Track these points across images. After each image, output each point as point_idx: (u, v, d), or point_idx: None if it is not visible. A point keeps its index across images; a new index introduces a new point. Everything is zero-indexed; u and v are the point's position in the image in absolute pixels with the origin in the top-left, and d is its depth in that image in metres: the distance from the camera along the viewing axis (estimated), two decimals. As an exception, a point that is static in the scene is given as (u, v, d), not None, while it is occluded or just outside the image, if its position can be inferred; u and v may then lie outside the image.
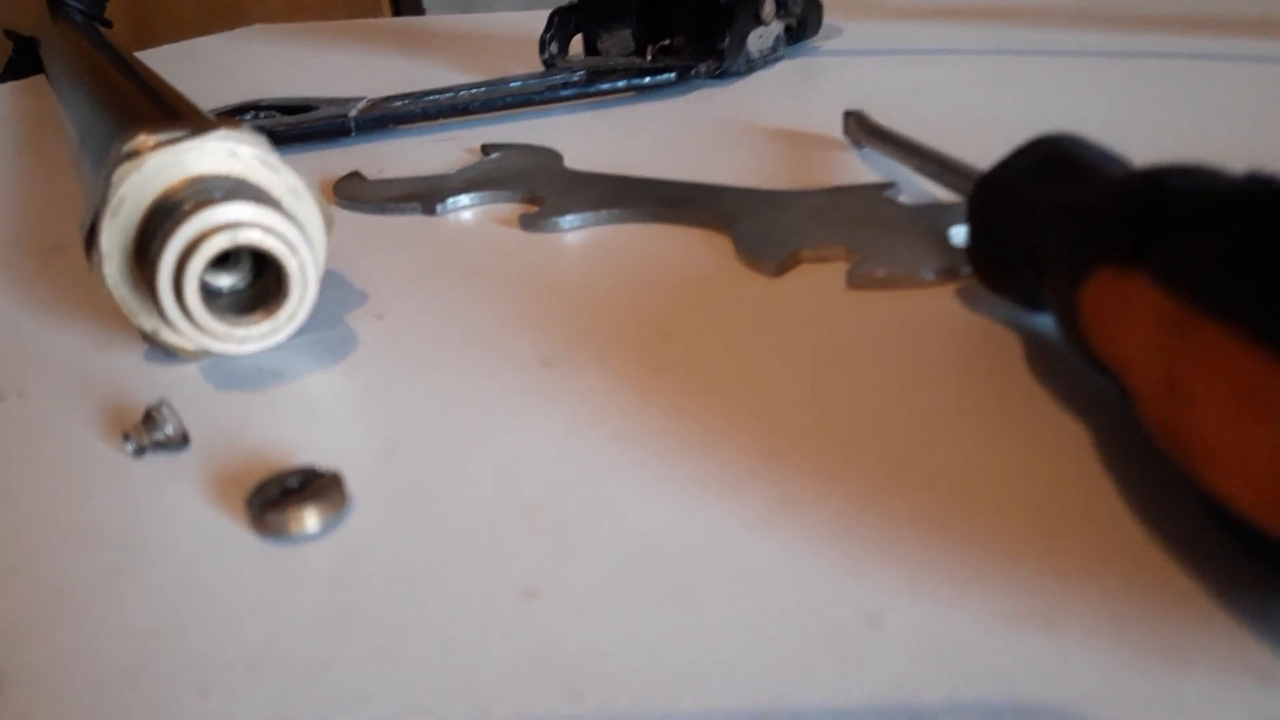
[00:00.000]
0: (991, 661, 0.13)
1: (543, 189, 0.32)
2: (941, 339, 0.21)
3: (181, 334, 0.20)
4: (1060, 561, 0.15)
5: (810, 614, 0.14)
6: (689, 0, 0.47)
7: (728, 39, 0.46)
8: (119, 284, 0.21)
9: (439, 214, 0.32)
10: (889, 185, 0.29)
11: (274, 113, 0.46)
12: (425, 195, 0.32)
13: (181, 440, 0.19)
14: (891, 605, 0.14)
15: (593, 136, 0.40)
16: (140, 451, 0.19)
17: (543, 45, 0.50)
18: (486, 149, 0.38)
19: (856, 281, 0.24)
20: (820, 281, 0.24)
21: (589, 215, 0.29)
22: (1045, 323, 0.21)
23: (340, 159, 0.40)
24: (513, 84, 0.46)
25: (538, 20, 0.51)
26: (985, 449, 0.17)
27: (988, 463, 0.17)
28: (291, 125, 0.43)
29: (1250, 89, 0.38)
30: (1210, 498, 0.13)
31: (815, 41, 0.53)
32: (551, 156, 0.36)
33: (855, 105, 0.35)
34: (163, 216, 0.20)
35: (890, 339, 0.21)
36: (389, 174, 0.36)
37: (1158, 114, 0.36)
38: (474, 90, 0.45)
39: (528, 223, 0.30)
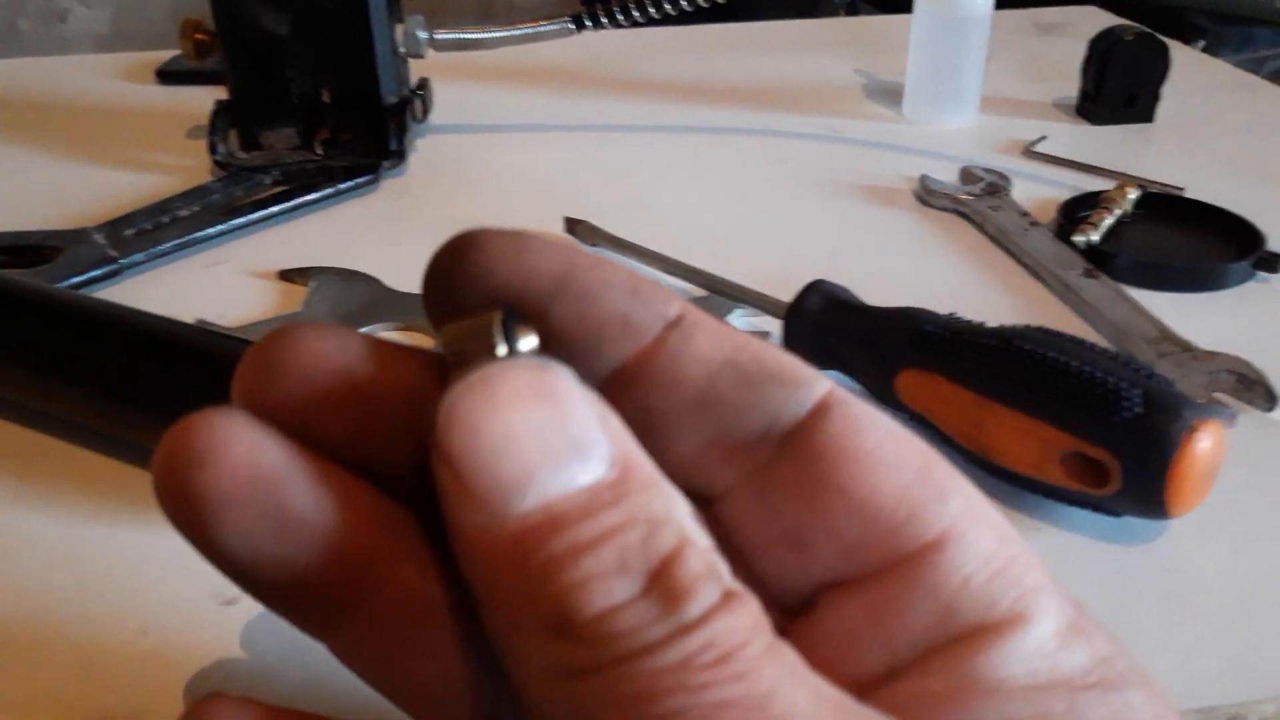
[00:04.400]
0: None
1: (403, 315, 0.42)
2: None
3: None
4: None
5: None
6: (352, 99, 0.56)
7: (405, 139, 0.56)
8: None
9: (344, 352, 0.40)
10: (654, 283, 0.44)
11: (-4, 254, 0.46)
12: (324, 339, 0.40)
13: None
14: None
15: (336, 248, 0.49)
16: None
17: (213, 146, 0.55)
18: (288, 275, 0.45)
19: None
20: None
21: (480, 338, 0.41)
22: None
23: (118, 298, 0.44)
24: (213, 196, 0.52)
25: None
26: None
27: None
28: (44, 274, 0.44)
29: (763, 157, 0.59)
30: (998, 469, 0.32)
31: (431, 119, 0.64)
32: (366, 279, 0.45)
33: (515, 179, 0.50)
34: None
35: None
36: (224, 318, 0.42)
37: (731, 182, 0.55)
38: (192, 207, 0.50)
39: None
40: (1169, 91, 0.63)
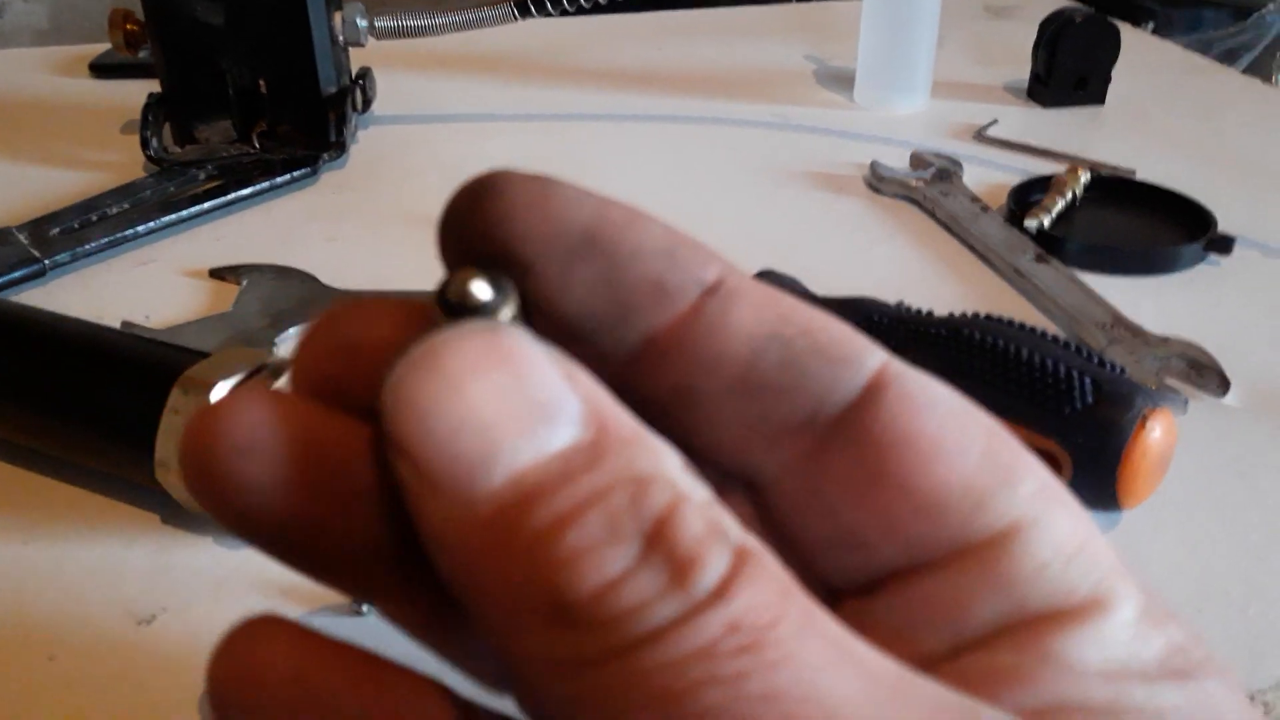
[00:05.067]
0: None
1: (341, 314, 0.40)
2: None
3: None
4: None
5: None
6: (290, 90, 0.54)
7: (345, 130, 0.54)
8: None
9: (274, 351, 0.39)
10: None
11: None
12: (255, 339, 0.39)
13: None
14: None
15: (272, 244, 0.47)
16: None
17: (145, 142, 0.53)
18: (219, 273, 0.44)
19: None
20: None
21: (419, 336, 0.39)
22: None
23: (44, 298, 0.42)
24: (145, 192, 0.50)
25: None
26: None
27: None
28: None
29: (719, 145, 0.58)
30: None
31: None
32: (301, 276, 0.43)
33: (460, 170, 0.47)
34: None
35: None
36: (151, 319, 0.40)
37: (684, 170, 0.54)
38: (121, 205, 0.48)
39: (375, 351, 0.39)
40: (1119, 74, 0.63)
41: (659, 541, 0.11)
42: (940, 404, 0.14)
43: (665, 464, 0.12)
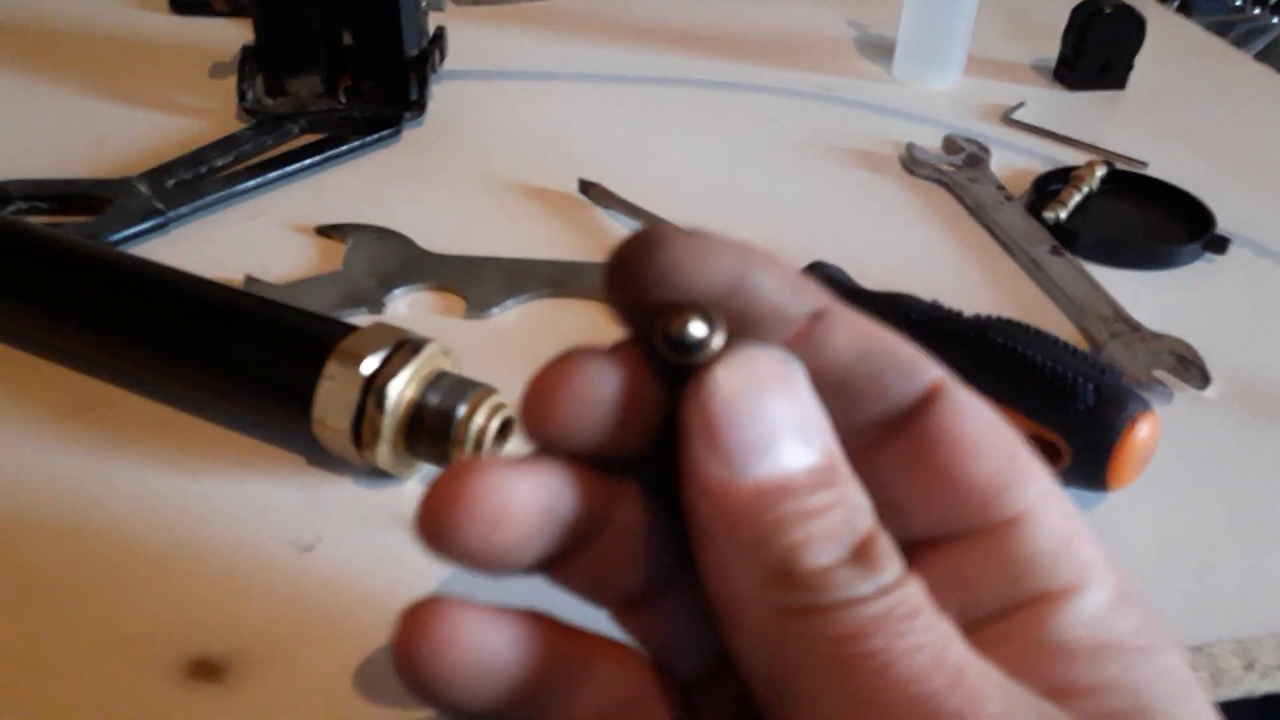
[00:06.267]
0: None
1: (437, 276, 0.46)
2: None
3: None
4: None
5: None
6: (374, 50, 0.59)
7: (425, 91, 0.59)
8: (387, 454, 0.34)
9: (385, 312, 0.44)
10: (663, 249, 0.48)
11: (38, 202, 0.49)
12: (367, 299, 0.44)
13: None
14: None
15: (365, 202, 0.52)
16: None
17: (242, 93, 0.58)
18: (325, 231, 0.49)
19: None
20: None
21: (508, 301, 0.45)
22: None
23: (167, 250, 0.47)
24: (246, 145, 0.55)
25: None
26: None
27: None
28: (97, 225, 0.47)
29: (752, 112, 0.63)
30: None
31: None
32: (400, 239, 0.48)
33: (525, 133, 0.54)
34: (448, 405, 0.33)
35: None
36: (270, 274, 0.46)
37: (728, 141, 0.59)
38: (226, 157, 0.53)
39: (471, 313, 0.44)
40: (1142, 55, 0.67)
41: (861, 550, 0.17)
42: (979, 413, 0.19)
43: (865, 503, 0.18)
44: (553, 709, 0.19)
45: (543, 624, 0.19)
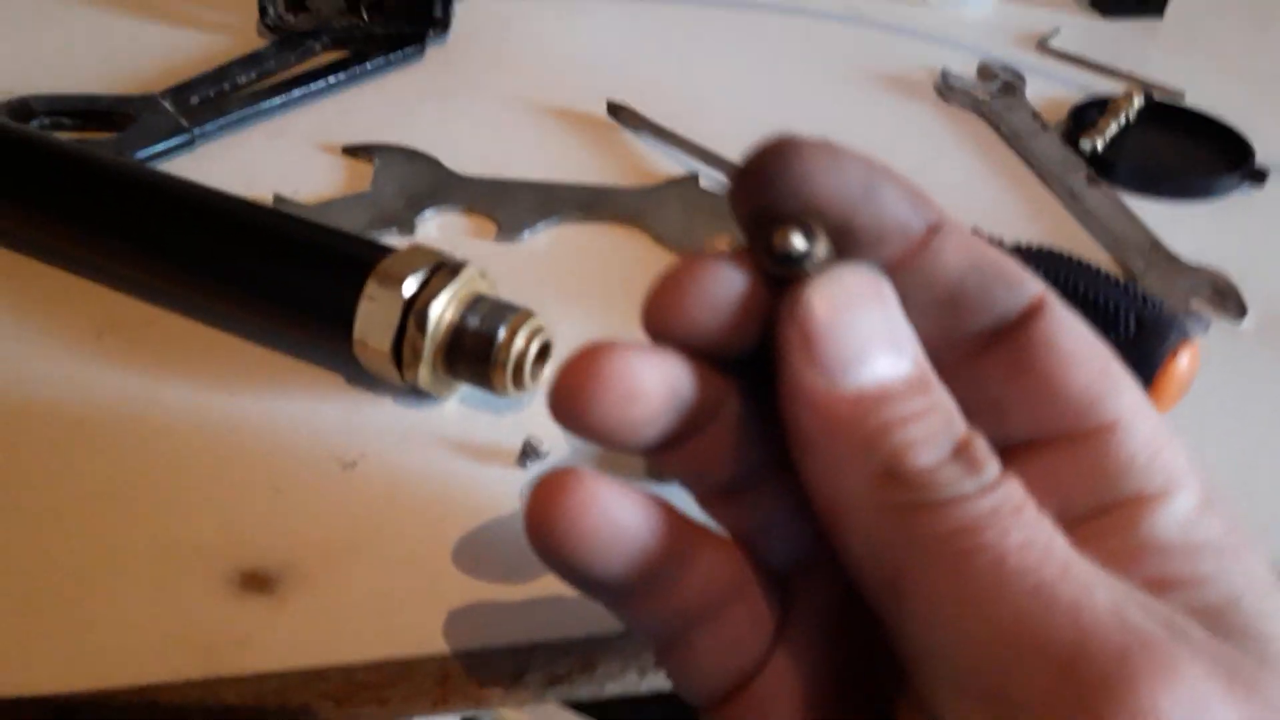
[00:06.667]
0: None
1: (467, 199, 0.45)
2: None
3: (505, 390, 0.34)
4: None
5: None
6: (395, -33, 0.57)
7: (449, 8, 0.58)
8: (427, 374, 0.34)
9: (416, 234, 0.44)
10: (694, 176, 0.48)
11: (61, 118, 0.49)
12: (398, 220, 0.44)
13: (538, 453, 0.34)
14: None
15: (390, 121, 0.51)
16: (524, 461, 0.34)
17: (263, 10, 0.57)
18: (352, 151, 0.48)
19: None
20: (729, 262, 0.44)
21: (539, 225, 0.44)
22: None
23: (194, 168, 0.47)
24: (269, 62, 0.54)
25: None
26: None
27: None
28: (123, 142, 0.47)
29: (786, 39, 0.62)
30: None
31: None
32: (428, 160, 0.48)
33: (550, 52, 0.54)
34: (488, 328, 0.33)
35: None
36: (299, 193, 0.45)
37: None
38: (249, 74, 0.52)
39: (502, 236, 0.44)
40: (1179, -19, 0.65)
41: (962, 449, 0.18)
42: (1077, 327, 0.20)
43: (956, 407, 0.19)
44: (666, 587, 0.20)
45: (662, 506, 0.20)
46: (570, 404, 0.19)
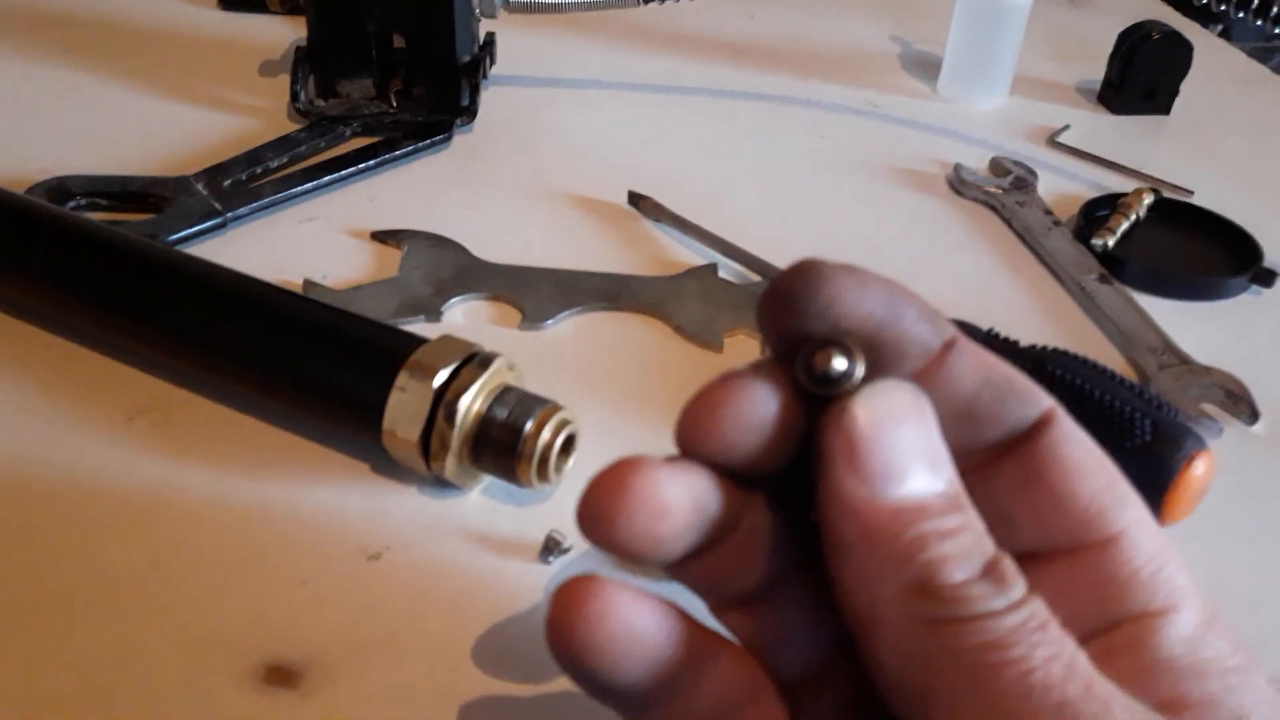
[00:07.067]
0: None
1: (492, 286, 0.46)
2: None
3: (529, 483, 0.35)
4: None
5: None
6: (426, 55, 0.59)
7: (476, 98, 0.59)
8: (453, 465, 0.35)
9: (442, 320, 0.45)
10: (713, 266, 0.49)
11: (97, 198, 0.50)
12: (425, 308, 0.45)
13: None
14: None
15: (418, 208, 0.52)
16: (548, 557, 0.34)
17: (295, 94, 0.58)
18: (380, 236, 0.49)
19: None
20: (750, 352, 0.44)
21: (562, 314, 0.45)
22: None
23: (226, 250, 0.48)
24: (300, 147, 0.55)
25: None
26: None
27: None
28: (157, 224, 0.48)
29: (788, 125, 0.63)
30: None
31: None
32: (455, 247, 0.49)
33: (573, 142, 0.56)
34: (516, 419, 0.34)
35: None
36: (328, 278, 0.46)
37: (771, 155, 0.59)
38: (280, 159, 0.54)
39: (526, 324, 0.45)
40: (1185, 81, 0.67)
41: (992, 567, 0.18)
42: (1084, 441, 0.21)
43: (984, 527, 0.19)
44: (683, 694, 0.20)
45: (679, 613, 0.21)
46: (599, 522, 0.19)
